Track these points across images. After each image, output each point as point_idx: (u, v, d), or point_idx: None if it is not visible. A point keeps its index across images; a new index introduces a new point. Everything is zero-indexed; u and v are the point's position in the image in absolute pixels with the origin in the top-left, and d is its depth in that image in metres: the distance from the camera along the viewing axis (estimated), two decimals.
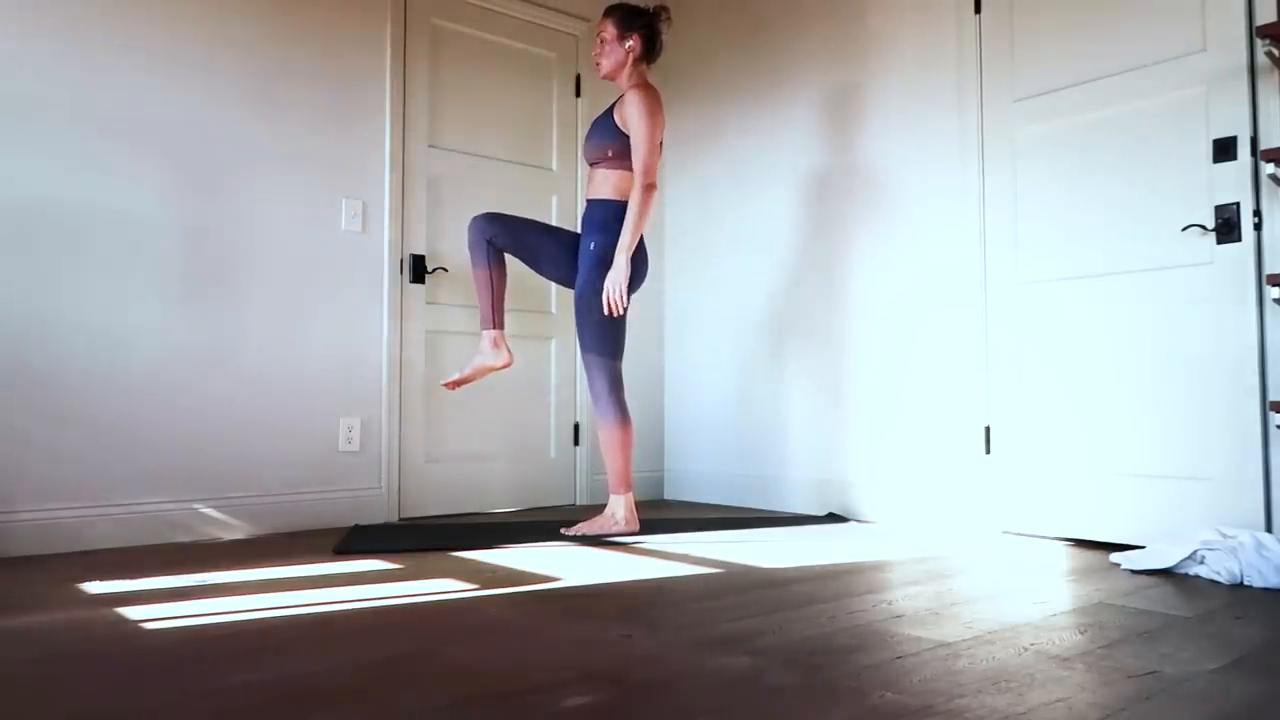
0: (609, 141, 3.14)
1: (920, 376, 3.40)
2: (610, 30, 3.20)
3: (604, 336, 3.09)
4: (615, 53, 3.20)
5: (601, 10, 4.28)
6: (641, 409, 4.29)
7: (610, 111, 3.19)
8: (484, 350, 3.17)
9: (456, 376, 3.19)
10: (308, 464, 3.31)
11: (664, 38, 3.27)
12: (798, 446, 3.81)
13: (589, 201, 3.21)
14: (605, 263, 3.09)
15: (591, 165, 3.24)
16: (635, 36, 3.19)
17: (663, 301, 4.43)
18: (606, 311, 3.04)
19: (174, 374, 3.05)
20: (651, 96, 3.11)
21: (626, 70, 3.20)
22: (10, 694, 1.44)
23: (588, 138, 3.23)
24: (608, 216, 3.13)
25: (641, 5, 3.28)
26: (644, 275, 3.19)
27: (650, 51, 3.24)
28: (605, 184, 3.17)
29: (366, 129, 3.52)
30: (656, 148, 3.08)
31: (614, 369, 3.11)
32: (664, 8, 3.25)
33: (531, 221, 3.23)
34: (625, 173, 3.15)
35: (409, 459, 3.59)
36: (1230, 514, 2.61)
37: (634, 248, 3.04)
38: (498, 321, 3.17)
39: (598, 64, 3.24)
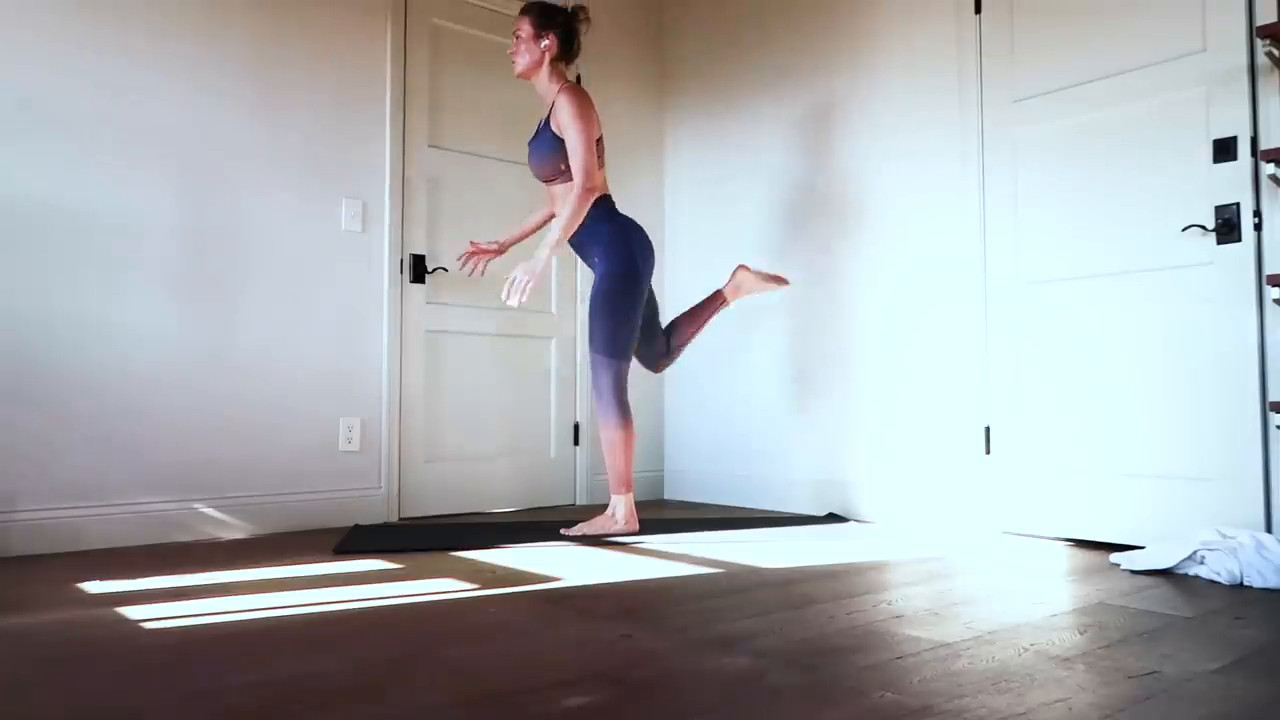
0: (557, 154, 3.10)
1: (920, 376, 3.40)
2: (526, 29, 3.14)
3: (613, 338, 3.08)
4: (531, 51, 3.13)
5: (604, 8, 4.30)
6: (641, 409, 4.29)
7: (547, 124, 3.13)
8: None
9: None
10: (308, 464, 3.31)
11: (582, 38, 3.21)
12: (798, 446, 3.81)
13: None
14: (616, 257, 3.09)
15: (549, 183, 3.20)
16: (551, 36, 3.13)
17: (663, 300, 4.43)
18: (504, 296, 2.95)
19: (174, 373, 3.05)
20: (580, 97, 3.07)
21: (544, 70, 3.14)
22: (10, 694, 1.44)
23: (532, 157, 3.18)
24: (594, 219, 3.12)
25: (560, 4, 3.22)
26: (650, 267, 3.17)
27: (567, 51, 3.17)
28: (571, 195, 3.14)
29: (367, 129, 3.52)
30: (593, 148, 3.04)
31: (619, 370, 3.10)
32: (582, 7, 3.20)
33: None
34: None
35: (409, 459, 3.59)
36: (1230, 514, 2.61)
37: (560, 247, 2.98)
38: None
39: (514, 62, 3.18)
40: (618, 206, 4.21)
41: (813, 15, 3.83)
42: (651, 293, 3.33)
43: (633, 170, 4.37)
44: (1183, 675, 1.52)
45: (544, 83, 3.16)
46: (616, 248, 3.10)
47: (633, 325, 3.12)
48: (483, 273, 3.42)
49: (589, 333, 3.12)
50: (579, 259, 3.54)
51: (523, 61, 3.15)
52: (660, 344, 3.38)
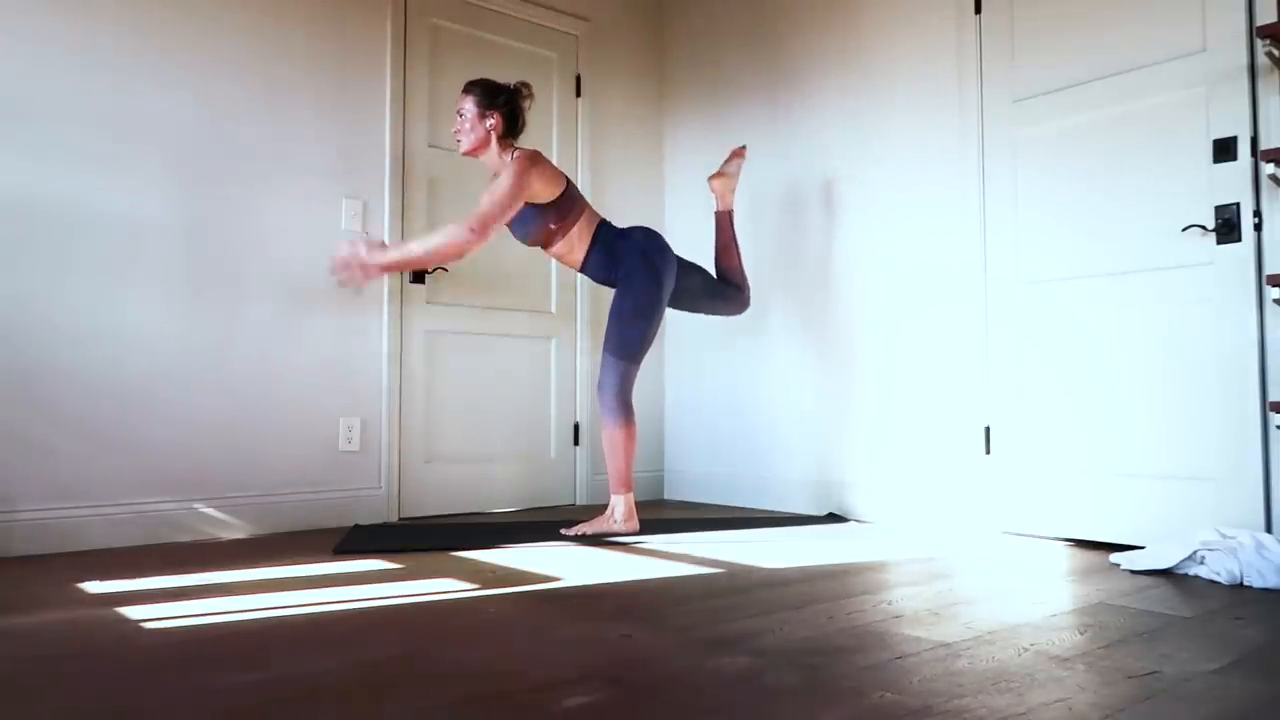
0: (541, 219, 3.08)
1: (920, 377, 3.40)
2: (470, 108, 3.07)
3: (627, 341, 3.08)
4: (476, 130, 3.07)
5: (606, 8, 4.30)
6: (641, 409, 4.28)
7: None
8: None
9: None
10: (308, 464, 3.31)
11: (526, 115, 3.17)
12: (797, 447, 3.81)
13: (583, 262, 3.19)
14: (638, 268, 3.10)
15: (546, 248, 3.19)
16: (496, 115, 3.07)
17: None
18: (332, 271, 2.89)
19: (174, 374, 3.05)
20: (528, 162, 3.00)
21: (492, 148, 3.09)
22: (10, 694, 1.44)
23: (517, 234, 3.16)
24: (604, 245, 3.15)
25: (503, 82, 3.18)
26: (671, 269, 3.18)
27: (512, 129, 3.13)
28: (575, 243, 3.15)
29: (367, 128, 3.52)
30: (508, 207, 2.92)
31: (627, 371, 3.10)
32: (526, 84, 3.16)
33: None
34: (579, 227, 3.13)
35: (409, 459, 3.59)
36: (1230, 514, 2.61)
37: (407, 263, 2.86)
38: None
39: (457, 140, 3.13)
40: (619, 213, 4.22)
41: (812, 16, 3.83)
42: (693, 267, 3.37)
43: (633, 173, 4.37)
44: (1182, 675, 1.52)
45: (494, 159, 3.11)
46: (636, 259, 3.12)
47: (650, 331, 3.12)
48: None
49: (606, 333, 3.13)
50: (589, 290, 3.57)
51: (467, 140, 3.09)
52: (730, 291, 3.46)
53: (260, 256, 3.24)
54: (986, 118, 3.23)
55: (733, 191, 3.53)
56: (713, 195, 3.58)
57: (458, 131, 3.12)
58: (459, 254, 2.89)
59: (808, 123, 3.83)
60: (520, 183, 2.97)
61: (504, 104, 3.10)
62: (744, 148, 3.60)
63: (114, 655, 1.64)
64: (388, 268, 2.89)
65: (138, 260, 2.99)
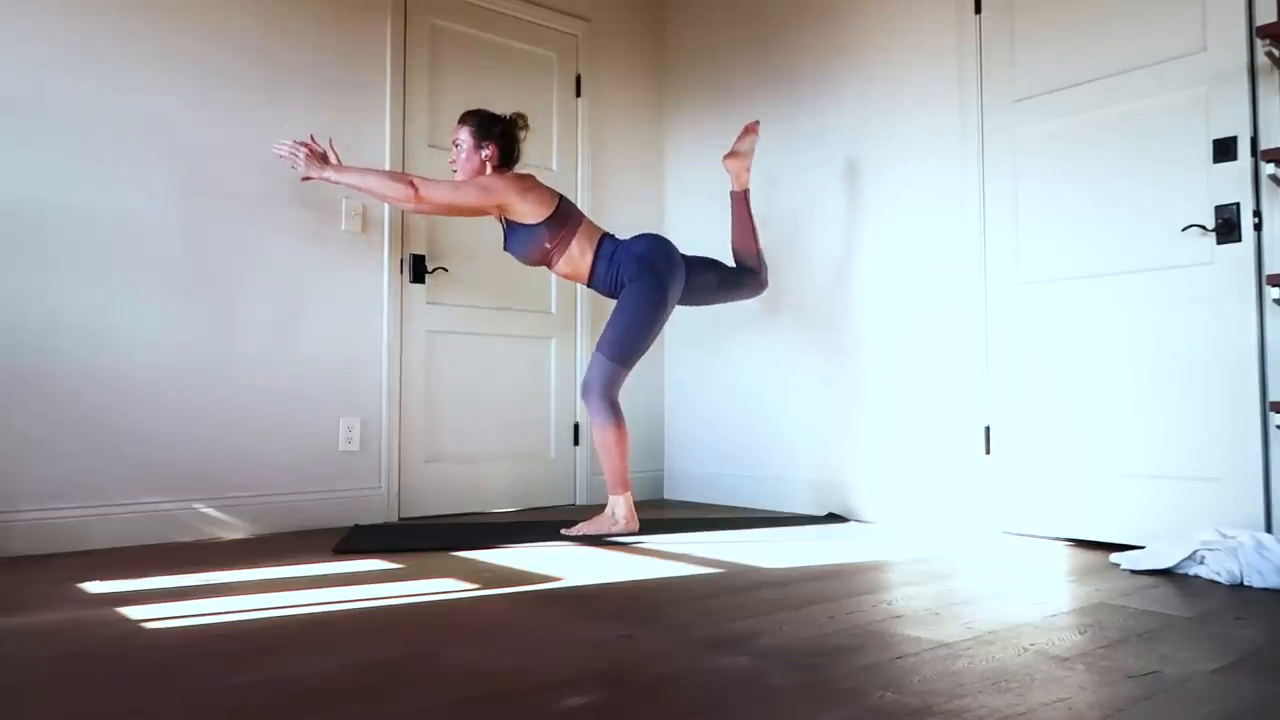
0: (536, 237, 3.09)
1: (920, 376, 3.40)
2: (465, 138, 3.13)
3: (623, 345, 3.08)
4: (471, 160, 3.12)
5: (606, 8, 4.31)
6: (642, 409, 4.29)
7: (507, 220, 3.15)
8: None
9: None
10: (308, 464, 3.31)
11: (521, 145, 3.21)
12: (798, 446, 3.81)
13: (590, 277, 3.19)
14: (644, 277, 3.10)
15: (549, 266, 3.20)
16: (492, 145, 3.12)
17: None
18: (276, 150, 3.03)
19: (174, 374, 3.05)
20: (505, 177, 3.07)
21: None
22: (11, 694, 1.44)
23: (516, 255, 3.17)
24: (608, 257, 3.15)
25: (499, 113, 3.21)
26: (677, 277, 3.17)
27: (508, 159, 3.17)
28: (576, 258, 3.15)
29: (367, 129, 3.52)
30: (455, 192, 3.00)
31: (615, 372, 3.10)
32: (522, 115, 3.20)
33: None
34: (578, 242, 3.14)
35: (409, 459, 3.59)
36: (1230, 514, 2.61)
37: (349, 179, 2.98)
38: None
39: (453, 170, 3.17)
40: (619, 213, 4.23)
41: (813, 17, 3.83)
42: (705, 262, 3.36)
43: (633, 173, 4.37)
44: (1183, 675, 1.52)
45: None
46: (641, 266, 3.11)
47: (648, 338, 3.12)
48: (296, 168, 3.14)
49: (602, 333, 3.13)
50: (590, 290, 3.59)
51: (463, 170, 3.14)
52: (746, 276, 3.43)
53: (260, 256, 3.24)
54: (986, 118, 3.23)
55: (748, 170, 3.48)
56: (728, 175, 3.53)
57: (453, 161, 3.17)
58: (392, 204, 3.09)
59: (808, 124, 3.83)
60: (488, 185, 3.03)
61: (500, 135, 3.14)
62: (756, 123, 3.54)
63: (114, 655, 1.64)
64: (338, 182, 3.04)
65: (138, 260, 2.99)
